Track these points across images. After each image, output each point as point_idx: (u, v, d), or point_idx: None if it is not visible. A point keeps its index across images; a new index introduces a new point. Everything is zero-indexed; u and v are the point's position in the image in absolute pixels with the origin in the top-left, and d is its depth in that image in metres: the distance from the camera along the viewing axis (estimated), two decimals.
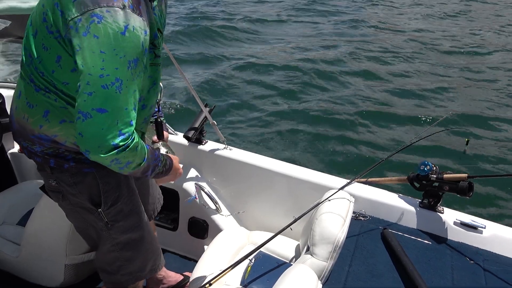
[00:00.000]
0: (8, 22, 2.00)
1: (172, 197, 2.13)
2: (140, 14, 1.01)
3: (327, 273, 1.35)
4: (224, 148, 2.11)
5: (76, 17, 0.96)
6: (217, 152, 2.09)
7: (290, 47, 8.20)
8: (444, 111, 5.26)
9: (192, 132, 2.06)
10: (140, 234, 1.35)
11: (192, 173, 2.15)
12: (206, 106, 2.04)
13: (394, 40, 9.15)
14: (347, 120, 5.11)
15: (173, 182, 1.68)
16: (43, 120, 1.11)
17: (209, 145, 2.13)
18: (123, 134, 1.01)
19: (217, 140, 2.14)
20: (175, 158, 1.39)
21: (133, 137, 1.05)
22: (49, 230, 1.72)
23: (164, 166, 1.26)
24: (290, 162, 2.07)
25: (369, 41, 8.95)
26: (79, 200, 1.24)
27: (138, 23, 1.00)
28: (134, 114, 1.03)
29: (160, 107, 1.56)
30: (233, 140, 4.23)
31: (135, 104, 1.03)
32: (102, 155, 1.00)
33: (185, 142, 2.12)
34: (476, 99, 6.00)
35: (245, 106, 5.38)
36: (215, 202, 2.09)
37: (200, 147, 2.12)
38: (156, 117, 1.56)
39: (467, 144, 1.86)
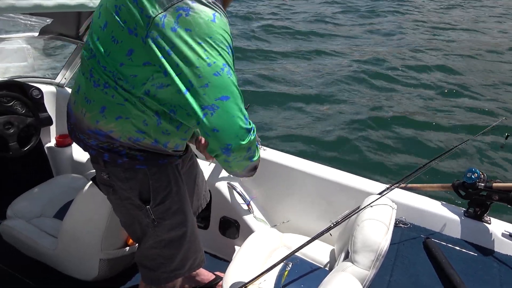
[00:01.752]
0: (50, 20, 2.05)
1: None
2: (220, 7, 1.01)
3: (368, 283, 1.30)
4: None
5: (160, 13, 0.95)
6: None
7: (331, 47, 8.07)
8: (495, 118, 5.00)
9: None
10: (183, 232, 1.34)
11: (225, 172, 2.14)
12: None
13: (445, 40, 8.86)
14: (387, 123, 4.96)
15: None
16: (99, 116, 1.11)
17: None
18: (247, 117, 1.00)
19: None
20: None
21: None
22: (86, 225, 1.74)
23: None
24: (325, 164, 2.02)
25: (418, 42, 8.71)
26: (129, 196, 1.24)
27: (223, 13, 1.00)
28: None
29: None
30: (268, 140, 4.19)
31: None
32: (243, 143, 0.98)
33: None
34: None
35: (281, 106, 5.32)
36: (247, 203, 2.06)
37: None
38: None
39: (506, 138, 1.73)
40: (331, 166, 2.01)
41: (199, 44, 0.94)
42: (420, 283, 1.40)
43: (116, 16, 1.02)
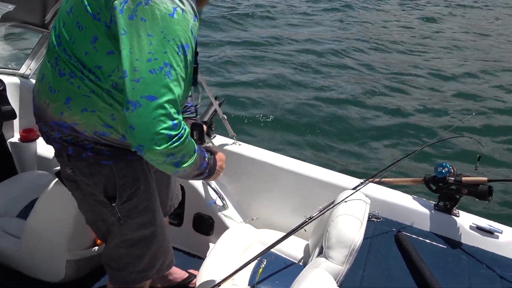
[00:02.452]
0: (12, 6, 1.93)
1: None
2: (188, 2, 0.96)
3: (342, 278, 1.31)
4: (233, 143, 2.05)
5: None
6: (225, 147, 2.03)
7: (305, 39, 8.06)
8: (466, 113, 5.14)
9: None
10: (152, 232, 1.29)
11: None
12: (216, 99, 1.97)
13: (421, 36, 9.03)
14: (362, 119, 5.02)
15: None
16: (64, 107, 1.06)
17: (217, 140, 2.07)
18: (176, 123, 0.94)
19: (226, 135, 2.08)
20: (218, 154, 1.32)
21: (185, 127, 0.98)
22: (52, 224, 1.66)
23: (209, 160, 1.19)
24: (300, 160, 2.02)
25: (392, 34, 8.83)
26: (93, 192, 1.19)
27: (188, 7, 0.95)
28: (180, 103, 0.96)
29: (197, 111, 1.48)
30: (243, 135, 4.16)
31: (183, 95, 0.96)
32: (157, 148, 0.92)
33: None
34: (500, 101, 5.86)
35: (256, 101, 5.28)
36: (222, 199, 2.04)
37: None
38: (193, 119, 1.47)
39: (478, 159, 1.80)
40: (305, 161, 2.01)
41: (148, 36, 0.89)
42: (392, 277, 1.42)
43: (82, 0, 0.98)
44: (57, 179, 1.59)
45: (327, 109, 5.18)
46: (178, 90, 0.94)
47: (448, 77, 6.74)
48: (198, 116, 1.50)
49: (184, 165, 1.03)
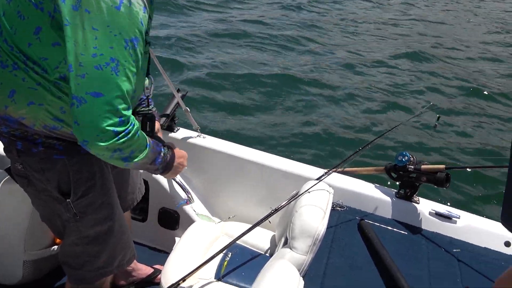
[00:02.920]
0: None
1: None
2: None
3: (306, 267, 1.32)
4: (197, 136, 2.02)
5: None
6: (189, 140, 2.00)
7: (266, 32, 8.02)
8: (424, 102, 5.30)
9: (164, 119, 1.95)
10: (109, 227, 1.25)
11: None
12: (178, 91, 1.93)
13: (379, 25, 9.19)
14: (323, 109, 5.08)
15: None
16: (8, 101, 1.01)
17: (181, 133, 2.03)
18: (123, 119, 0.93)
19: (190, 128, 2.05)
20: (178, 151, 1.30)
21: (134, 122, 0.97)
22: (6, 224, 1.58)
23: (165, 155, 1.17)
24: (264, 151, 2.02)
25: (349, 25, 8.94)
26: (47, 188, 1.14)
27: (138, 1, 0.92)
28: (130, 99, 0.95)
29: (150, 102, 1.44)
30: (207, 128, 4.11)
31: (132, 90, 0.95)
32: (102, 144, 0.92)
33: None
34: (457, 90, 6.07)
35: (220, 93, 5.23)
36: (187, 192, 2.00)
37: (172, 134, 2.01)
38: (144, 111, 1.43)
39: (438, 119, 1.89)
40: (270, 153, 2.01)
41: (93, 30, 0.87)
42: (355, 264, 1.45)
43: None
44: (8, 176, 1.50)
45: (289, 98, 5.19)
46: (126, 86, 0.92)
47: (406, 64, 6.93)
48: (154, 108, 1.45)
49: (134, 160, 1.03)
